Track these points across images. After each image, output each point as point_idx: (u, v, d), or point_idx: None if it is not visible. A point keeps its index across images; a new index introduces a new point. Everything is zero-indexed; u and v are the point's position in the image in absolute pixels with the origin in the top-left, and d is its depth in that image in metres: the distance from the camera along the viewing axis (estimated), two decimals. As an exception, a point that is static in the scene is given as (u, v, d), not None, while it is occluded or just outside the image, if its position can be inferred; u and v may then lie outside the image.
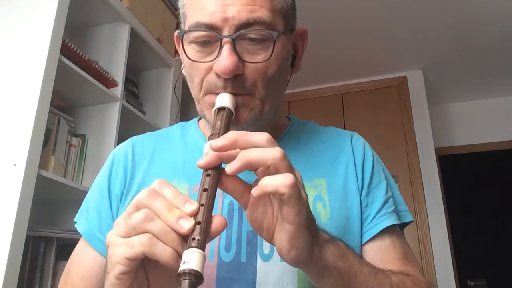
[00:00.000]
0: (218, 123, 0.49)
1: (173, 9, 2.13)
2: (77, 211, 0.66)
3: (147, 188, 0.40)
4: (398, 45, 2.80)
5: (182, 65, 0.63)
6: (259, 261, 0.55)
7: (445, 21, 2.52)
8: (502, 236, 3.74)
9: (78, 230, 0.63)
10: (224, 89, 0.53)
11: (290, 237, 0.40)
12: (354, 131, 0.72)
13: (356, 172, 0.64)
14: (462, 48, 2.83)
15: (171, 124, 1.92)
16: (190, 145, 0.67)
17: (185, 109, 2.17)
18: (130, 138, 0.70)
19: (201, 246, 0.36)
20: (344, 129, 0.73)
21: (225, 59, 0.51)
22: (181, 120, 2.01)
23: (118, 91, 1.61)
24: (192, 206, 0.38)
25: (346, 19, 2.51)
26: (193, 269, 0.34)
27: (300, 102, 3.30)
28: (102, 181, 0.65)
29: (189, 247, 0.36)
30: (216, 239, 0.57)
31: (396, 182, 2.82)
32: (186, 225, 0.37)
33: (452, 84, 3.37)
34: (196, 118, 0.72)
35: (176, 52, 2.10)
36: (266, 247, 0.56)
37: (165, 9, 2.05)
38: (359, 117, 3.10)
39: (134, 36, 1.74)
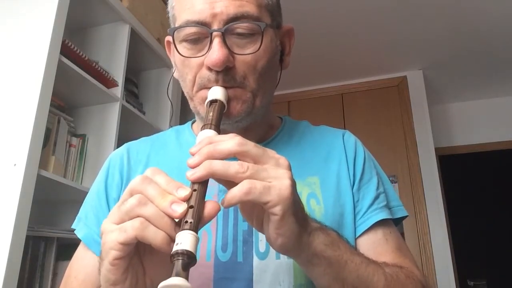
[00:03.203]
0: (211, 114, 0.51)
1: (173, 9, 2.12)
2: (77, 211, 0.67)
3: (140, 175, 0.41)
4: (398, 45, 2.80)
5: (174, 68, 0.65)
6: (255, 259, 0.56)
7: (445, 21, 2.52)
8: (502, 236, 3.75)
9: (78, 236, 0.63)
10: (216, 82, 0.55)
11: (276, 225, 0.41)
12: (354, 131, 0.72)
13: (348, 168, 0.65)
14: (462, 48, 2.83)
15: (171, 124, 1.93)
16: (184, 148, 0.68)
17: (185, 109, 2.17)
18: (125, 144, 0.71)
19: (194, 229, 0.37)
20: (344, 129, 0.73)
21: (216, 52, 0.53)
22: (180, 120, 2.01)
23: (118, 91, 1.61)
24: (185, 191, 0.39)
25: (346, 19, 2.51)
26: (186, 250, 0.35)
27: (300, 102, 3.30)
28: (99, 186, 0.66)
29: (182, 230, 0.36)
30: (213, 239, 0.57)
31: (396, 182, 2.85)
32: (179, 209, 0.37)
33: (452, 84, 3.37)
34: (190, 122, 0.73)
35: (176, 52, 2.10)
36: (261, 245, 0.57)
37: (165, 9, 2.04)
38: (359, 117, 3.10)
39: (134, 36, 1.74)
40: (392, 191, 0.69)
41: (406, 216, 0.68)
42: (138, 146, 0.70)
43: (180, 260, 0.35)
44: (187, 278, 0.34)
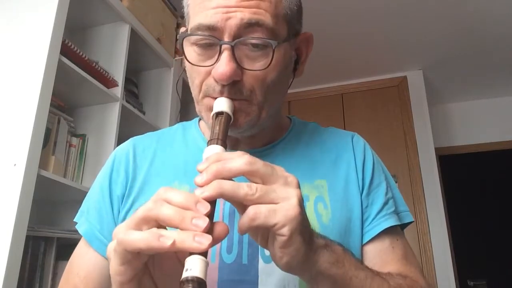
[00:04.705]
0: (217, 128, 0.49)
1: (173, 9, 2.12)
2: (77, 211, 0.66)
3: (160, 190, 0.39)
4: (398, 45, 2.80)
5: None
6: (261, 262, 0.55)
7: (445, 21, 2.52)
8: (502, 236, 3.75)
9: (79, 231, 0.63)
10: (221, 94, 0.53)
11: (282, 244, 0.40)
12: (355, 131, 0.72)
13: (357, 172, 0.64)
14: (462, 48, 2.83)
15: (171, 124, 1.92)
16: (191, 146, 0.67)
17: (185, 109, 2.17)
18: (131, 138, 0.70)
19: (204, 253, 0.36)
20: (344, 129, 0.73)
21: (223, 66, 0.51)
22: (181, 120, 2.01)
23: (118, 91, 1.61)
24: (206, 207, 0.37)
25: (346, 19, 2.51)
26: (196, 276, 0.34)
27: (300, 102, 3.30)
28: (103, 181, 0.65)
29: (191, 254, 0.35)
30: None
31: (396, 182, 2.82)
32: (201, 223, 0.36)
33: (452, 84, 3.37)
34: (197, 118, 0.72)
35: (176, 52, 2.10)
36: None
37: (165, 9, 2.04)
38: (359, 117, 3.10)
39: (134, 36, 1.74)
40: (399, 196, 0.68)
41: (412, 222, 0.67)
42: (144, 141, 0.69)
43: (191, 287, 0.34)
44: None
